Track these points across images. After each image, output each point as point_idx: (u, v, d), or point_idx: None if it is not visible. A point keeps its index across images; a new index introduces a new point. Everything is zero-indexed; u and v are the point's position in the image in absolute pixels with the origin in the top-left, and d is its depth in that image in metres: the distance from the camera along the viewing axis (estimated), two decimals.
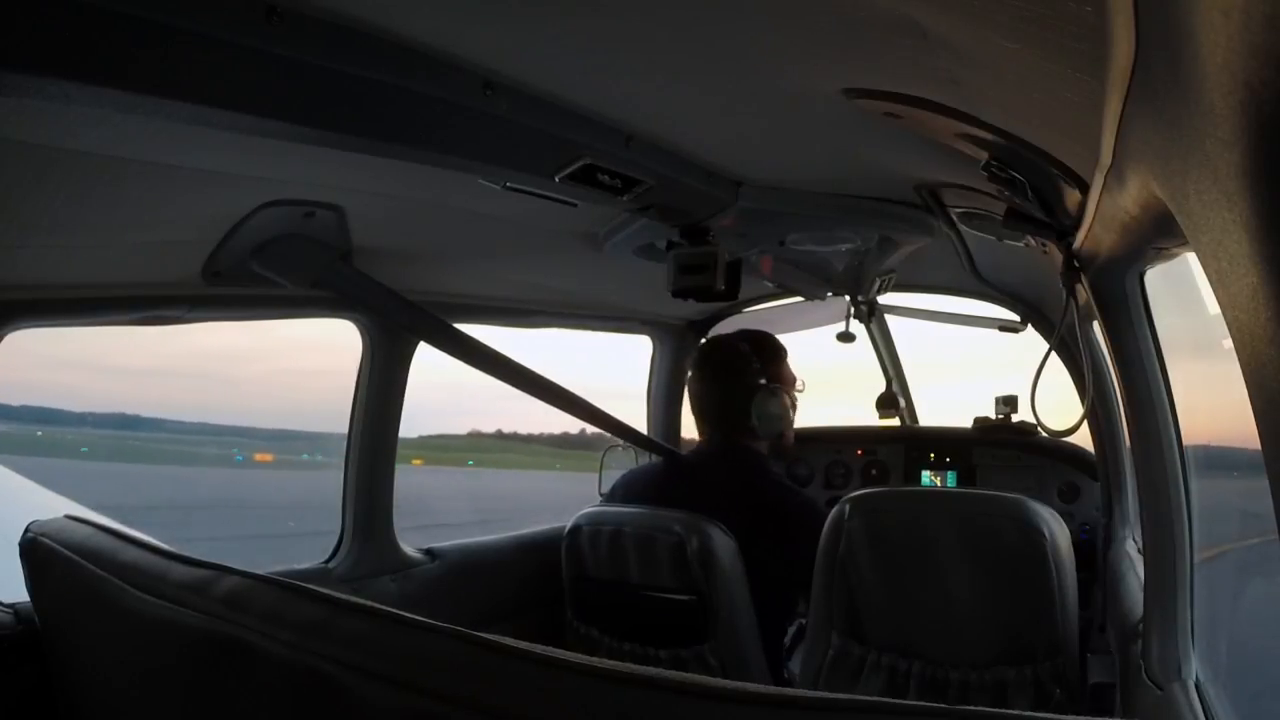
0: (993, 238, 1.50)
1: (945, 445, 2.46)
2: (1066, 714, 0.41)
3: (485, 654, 0.52)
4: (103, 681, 0.84)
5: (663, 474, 1.94)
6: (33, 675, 1.02)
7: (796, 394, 1.97)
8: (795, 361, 1.97)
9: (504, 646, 0.52)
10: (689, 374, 1.96)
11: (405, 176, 1.17)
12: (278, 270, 1.30)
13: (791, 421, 1.90)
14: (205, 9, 0.69)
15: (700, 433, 1.95)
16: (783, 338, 2.01)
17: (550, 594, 1.87)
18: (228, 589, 0.69)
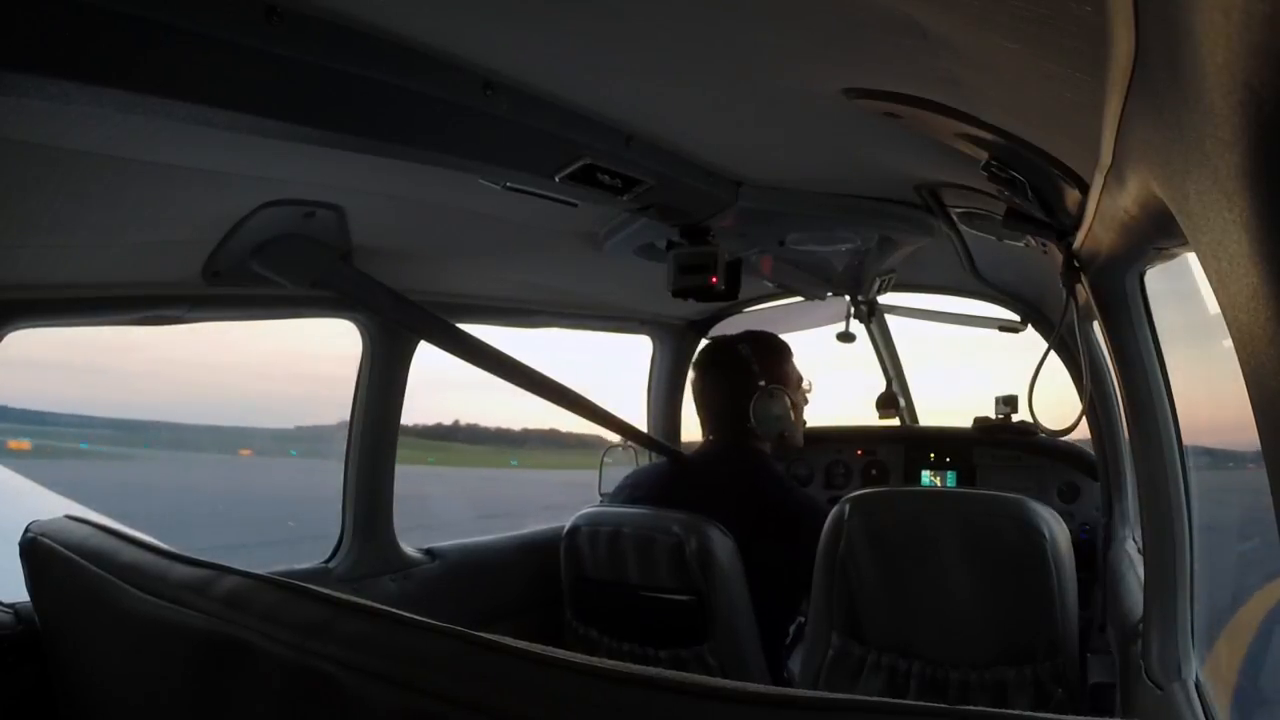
0: (993, 238, 1.50)
1: (945, 445, 2.46)
2: (1066, 714, 0.41)
3: (485, 654, 0.52)
4: (103, 681, 0.84)
5: (666, 474, 1.94)
6: (33, 675, 1.02)
7: (805, 394, 1.97)
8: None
9: (504, 646, 0.52)
10: (691, 375, 1.97)
11: (405, 176, 1.17)
12: (278, 270, 1.30)
13: (794, 422, 1.90)
14: (205, 9, 0.69)
15: (704, 433, 1.96)
16: (784, 337, 2.01)
17: (550, 594, 1.87)
18: (228, 589, 0.69)
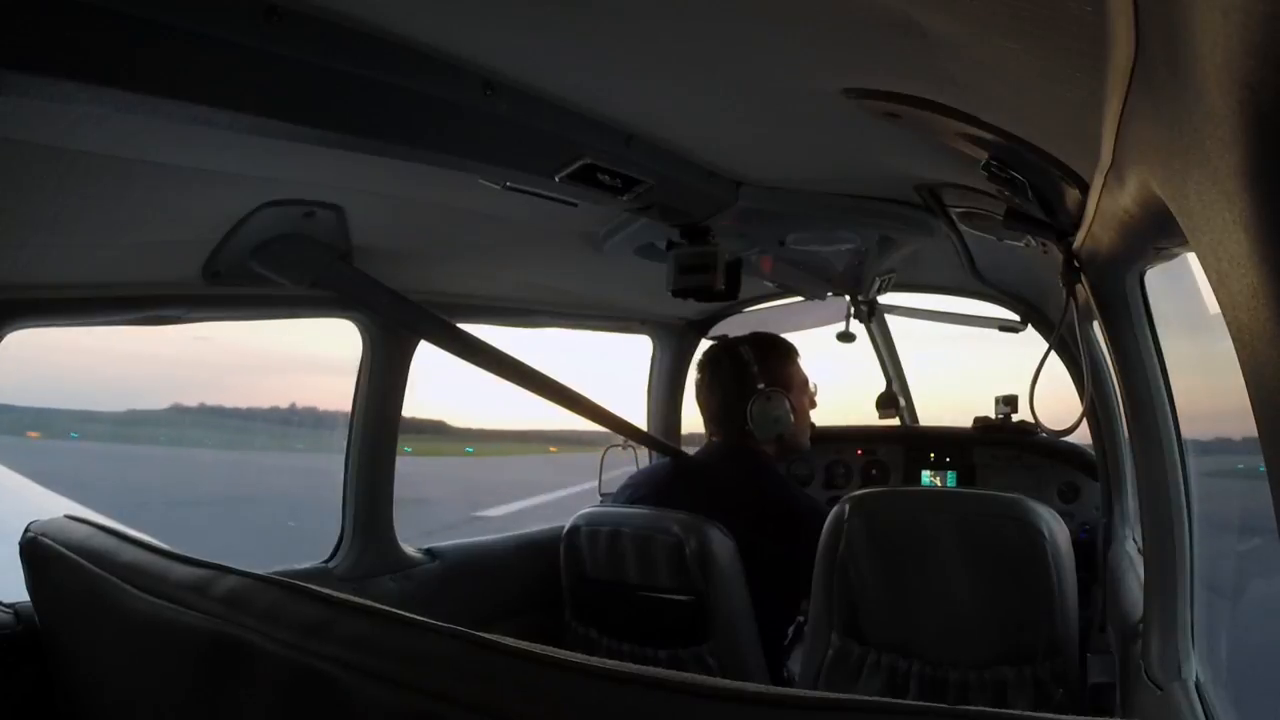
0: (993, 238, 1.50)
1: (945, 445, 2.46)
2: (1066, 714, 0.41)
3: (485, 654, 0.52)
4: (103, 681, 0.84)
5: (666, 474, 1.94)
6: (33, 675, 1.02)
7: (812, 396, 1.96)
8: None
9: (504, 646, 0.52)
10: (695, 375, 1.98)
11: (405, 176, 1.17)
12: (277, 270, 1.30)
13: (796, 424, 1.89)
14: (205, 9, 0.69)
15: (707, 433, 1.96)
16: (788, 337, 2.01)
17: (550, 594, 1.87)
18: (228, 589, 0.69)
